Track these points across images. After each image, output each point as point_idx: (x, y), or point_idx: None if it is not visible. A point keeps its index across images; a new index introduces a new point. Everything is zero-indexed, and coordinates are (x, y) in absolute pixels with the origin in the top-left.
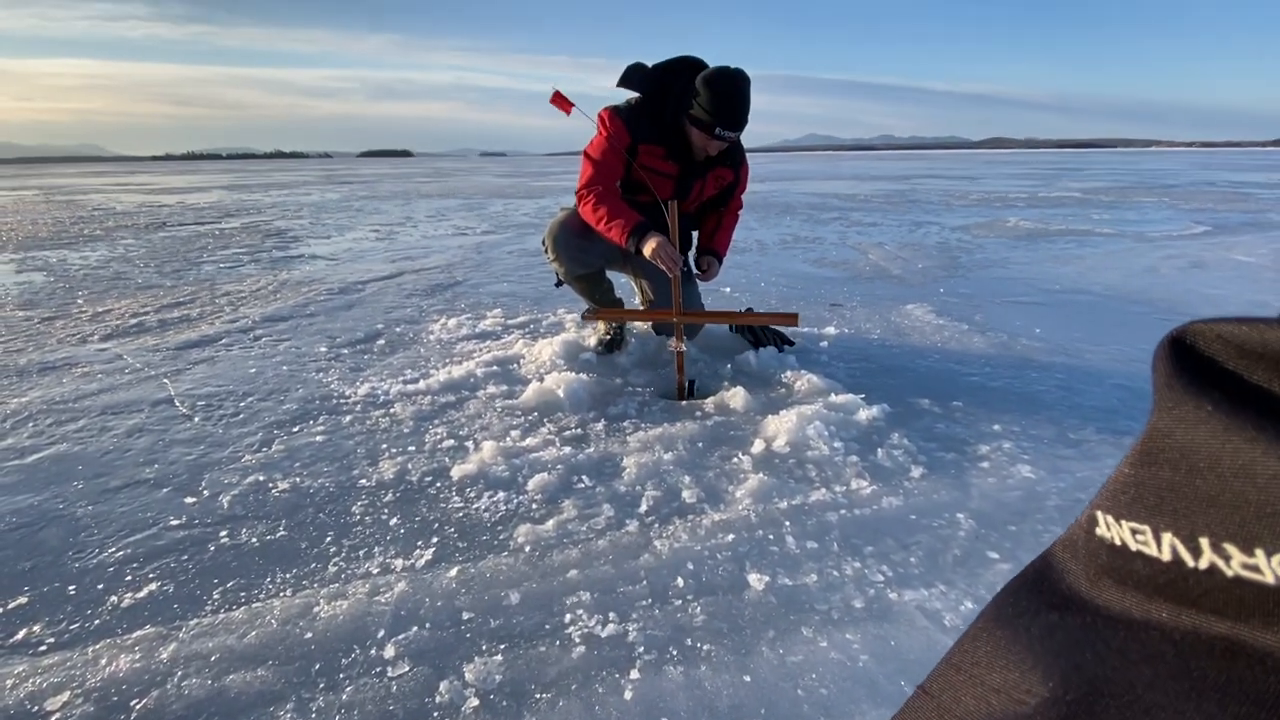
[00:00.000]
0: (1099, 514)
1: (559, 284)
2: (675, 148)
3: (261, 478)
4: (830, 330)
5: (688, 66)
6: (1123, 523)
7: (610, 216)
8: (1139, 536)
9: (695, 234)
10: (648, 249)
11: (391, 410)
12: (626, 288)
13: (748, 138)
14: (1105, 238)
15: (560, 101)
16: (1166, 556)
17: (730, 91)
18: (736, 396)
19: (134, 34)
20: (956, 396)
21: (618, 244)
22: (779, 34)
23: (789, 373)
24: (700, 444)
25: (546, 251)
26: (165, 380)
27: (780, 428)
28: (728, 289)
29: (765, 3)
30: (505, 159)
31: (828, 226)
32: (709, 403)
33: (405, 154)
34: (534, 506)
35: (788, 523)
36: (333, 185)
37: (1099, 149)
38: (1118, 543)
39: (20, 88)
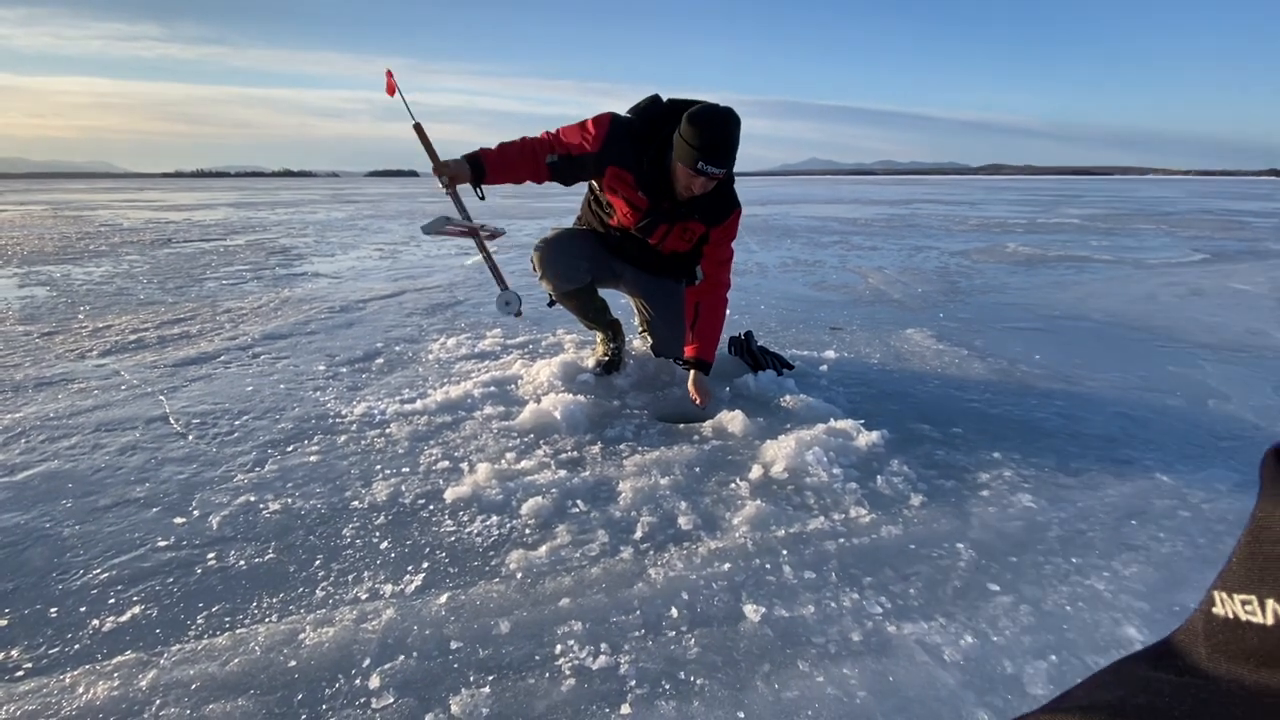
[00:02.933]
0: (1215, 593)
1: (551, 303)
2: (649, 182)
3: (253, 498)
4: (830, 354)
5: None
6: (1234, 596)
7: (511, 151)
8: (1247, 607)
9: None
10: (451, 169)
11: (387, 430)
12: (626, 309)
13: (746, 161)
14: (1104, 264)
15: (390, 82)
16: (1270, 621)
17: (716, 127)
18: (735, 420)
19: (147, 54)
20: (956, 423)
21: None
22: (781, 61)
23: (788, 397)
24: (697, 469)
25: (534, 269)
26: (161, 397)
27: (779, 453)
28: (728, 312)
29: (768, 30)
30: None
31: (828, 250)
32: (707, 426)
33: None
34: (527, 531)
35: (785, 551)
36: (339, 204)
37: (1097, 176)
38: (1230, 616)
39: (33, 104)
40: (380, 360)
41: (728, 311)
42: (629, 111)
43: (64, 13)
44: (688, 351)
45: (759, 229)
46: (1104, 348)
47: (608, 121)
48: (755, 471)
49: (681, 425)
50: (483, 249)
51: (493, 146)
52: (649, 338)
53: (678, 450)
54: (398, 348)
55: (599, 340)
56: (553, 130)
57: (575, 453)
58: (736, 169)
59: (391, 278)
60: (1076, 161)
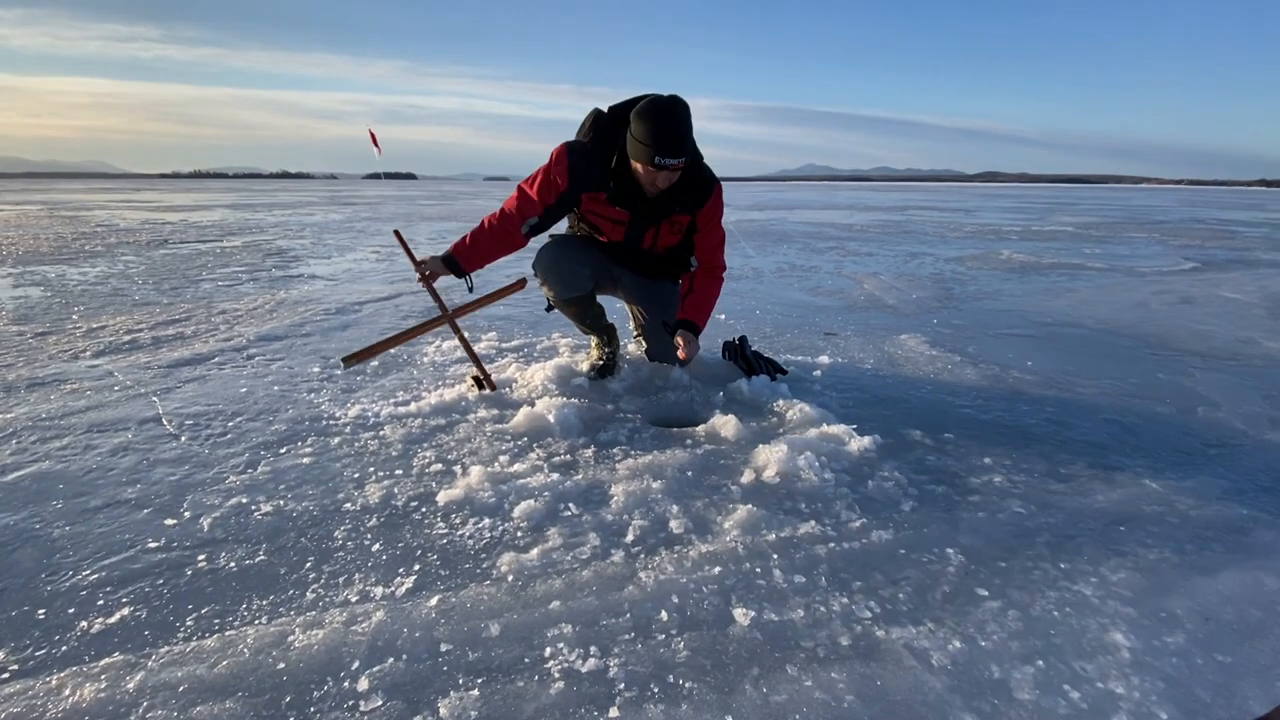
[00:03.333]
0: None
1: (550, 308)
2: (622, 194)
3: (244, 500)
4: (824, 359)
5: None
6: None
7: (481, 236)
8: None
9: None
10: (430, 266)
11: (381, 433)
12: (621, 313)
13: (744, 167)
14: (1097, 272)
15: (374, 139)
16: None
17: (663, 118)
18: (728, 425)
19: (145, 55)
20: (948, 428)
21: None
22: (778, 67)
23: (781, 401)
24: (690, 473)
25: (536, 276)
26: (154, 398)
27: (771, 457)
28: (722, 316)
29: (765, 36)
30: (510, 183)
31: (823, 255)
32: (700, 430)
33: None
34: (519, 534)
35: (775, 555)
36: (336, 206)
37: (1091, 184)
38: None
39: (30, 104)
40: (375, 363)
41: (720, 315)
42: (578, 136)
43: (62, 13)
44: (680, 314)
45: (755, 234)
46: (1096, 355)
47: (565, 152)
48: (747, 475)
49: (675, 429)
50: (461, 339)
51: (466, 237)
52: (643, 342)
53: (670, 454)
54: (392, 350)
55: (594, 345)
56: (523, 185)
57: (568, 456)
58: (733, 173)
59: (388, 280)
60: (1071, 170)
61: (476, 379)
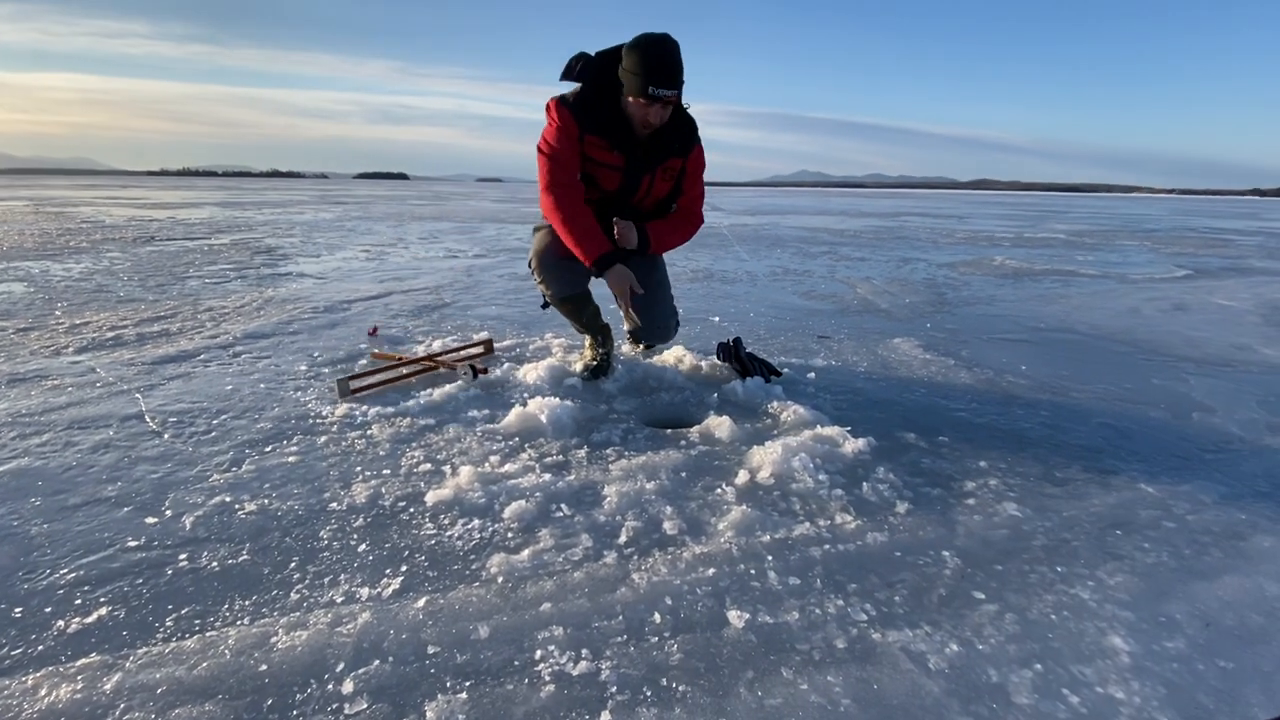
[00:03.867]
0: None
1: (545, 305)
2: (619, 137)
3: (228, 498)
4: (818, 362)
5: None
6: None
7: (578, 233)
8: None
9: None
10: (610, 281)
11: (369, 432)
12: (616, 315)
13: (738, 172)
14: (1089, 278)
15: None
16: None
17: (656, 47)
18: (722, 426)
19: (135, 51)
20: (943, 431)
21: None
22: (774, 73)
23: (775, 403)
24: (684, 474)
25: (533, 273)
26: (138, 395)
27: (765, 459)
28: (716, 318)
29: (761, 43)
30: (501, 185)
31: (817, 260)
32: (694, 432)
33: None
34: (509, 535)
35: (770, 557)
36: (327, 205)
37: (1082, 193)
38: None
39: (17, 100)
40: (363, 361)
41: (714, 317)
42: (563, 79)
43: (52, 9)
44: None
45: (749, 238)
46: (1089, 360)
47: (557, 104)
48: (741, 477)
49: (669, 430)
50: (450, 367)
51: (557, 218)
52: (635, 322)
53: (664, 455)
54: (382, 349)
55: (587, 344)
56: (547, 153)
57: (560, 456)
58: (726, 178)
59: (378, 279)
60: (1062, 178)
61: (472, 366)
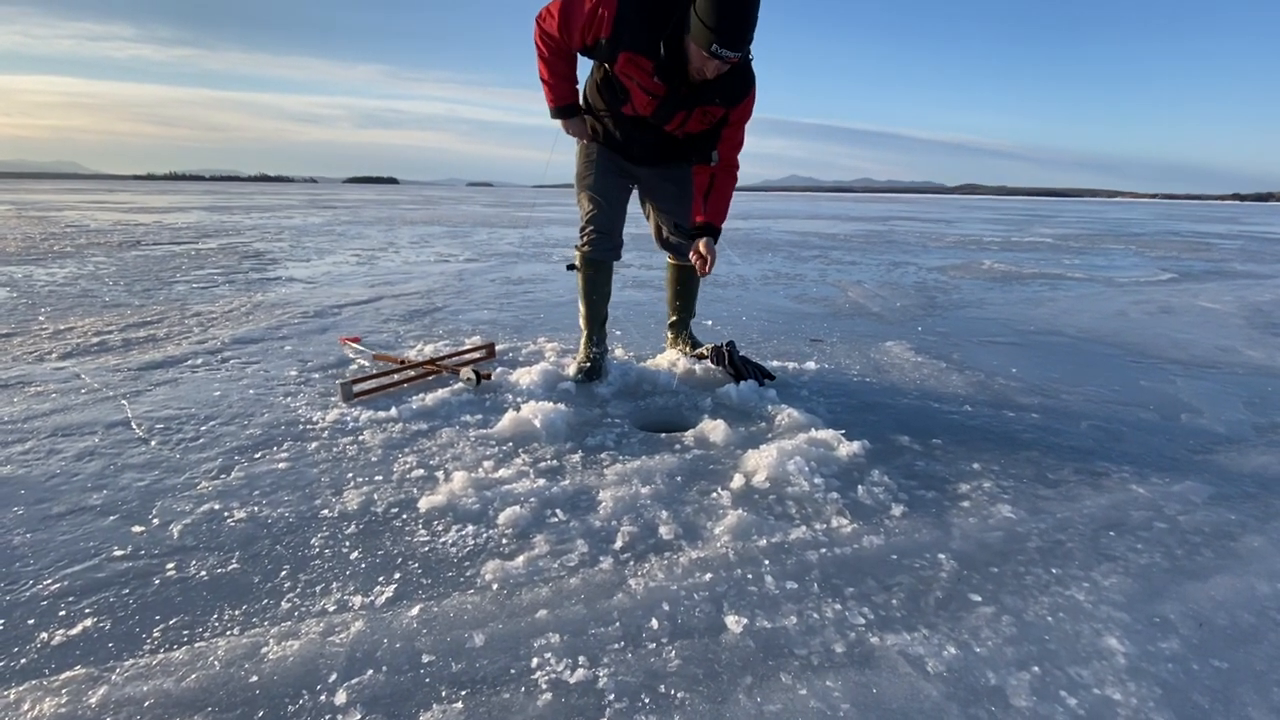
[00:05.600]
0: None
1: (571, 267)
2: (667, 68)
3: (217, 506)
4: (811, 366)
5: None
6: None
7: (552, 76)
8: None
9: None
10: (566, 129)
11: (360, 438)
12: (615, 316)
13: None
14: (1076, 281)
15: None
16: None
17: (733, 5)
18: (717, 430)
19: (119, 54)
20: (936, 434)
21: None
22: (763, 79)
23: (770, 407)
24: (679, 478)
25: (581, 229)
26: (123, 401)
27: (760, 463)
28: (709, 322)
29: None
30: (492, 189)
31: (808, 264)
32: (689, 436)
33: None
34: (504, 541)
35: (767, 561)
36: (316, 209)
37: (1068, 197)
38: None
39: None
40: (354, 366)
41: (707, 321)
42: None
43: (34, 11)
44: (697, 219)
45: (740, 242)
46: (1078, 362)
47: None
48: (737, 481)
49: (663, 435)
50: (451, 371)
51: (547, 91)
52: (668, 239)
53: (659, 459)
54: (373, 353)
55: (581, 345)
56: (554, 12)
57: (555, 461)
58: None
59: (368, 283)
60: (1048, 183)
61: (475, 372)
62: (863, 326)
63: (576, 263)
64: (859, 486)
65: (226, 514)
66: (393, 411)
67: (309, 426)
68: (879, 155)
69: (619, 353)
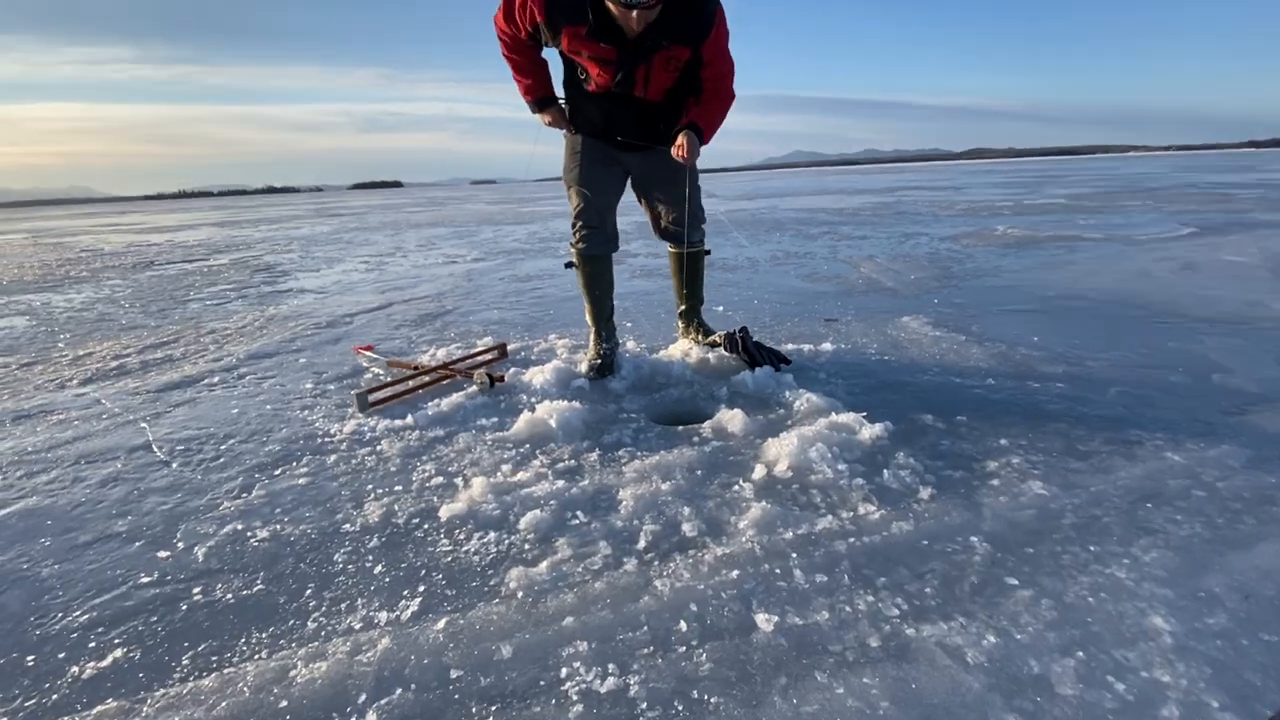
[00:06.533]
0: None
1: (569, 265)
2: (602, 28)
3: (240, 526)
4: (826, 346)
5: None
6: None
7: (517, 70)
8: None
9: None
10: (543, 120)
11: (378, 448)
12: (621, 301)
13: (731, 157)
14: (1094, 242)
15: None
16: None
17: None
18: (734, 419)
19: (119, 76)
20: (960, 411)
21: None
22: (762, 55)
23: (787, 393)
24: (699, 472)
25: (573, 227)
26: (144, 425)
27: (781, 451)
28: (720, 308)
29: (746, 25)
30: (496, 186)
31: (817, 241)
32: (706, 427)
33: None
34: (526, 547)
35: (794, 554)
36: (323, 218)
37: (1079, 155)
38: None
39: (8, 133)
40: (368, 375)
41: (719, 307)
42: None
43: (31, 39)
44: (681, 120)
45: (747, 223)
46: (1101, 326)
47: None
48: (758, 472)
49: (680, 427)
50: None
51: (521, 88)
52: (666, 229)
53: (678, 454)
54: (386, 359)
55: (591, 341)
56: (499, 19)
57: (573, 461)
58: (720, 164)
59: (378, 289)
60: (1058, 142)
61: (489, 375)
62: (877, 303)
63: (573, 260)
64: (884, 471)
65: (249, 534)
66: (409, 420)
67: (327, 439)
68: (884, 125)
69: (631, 345)
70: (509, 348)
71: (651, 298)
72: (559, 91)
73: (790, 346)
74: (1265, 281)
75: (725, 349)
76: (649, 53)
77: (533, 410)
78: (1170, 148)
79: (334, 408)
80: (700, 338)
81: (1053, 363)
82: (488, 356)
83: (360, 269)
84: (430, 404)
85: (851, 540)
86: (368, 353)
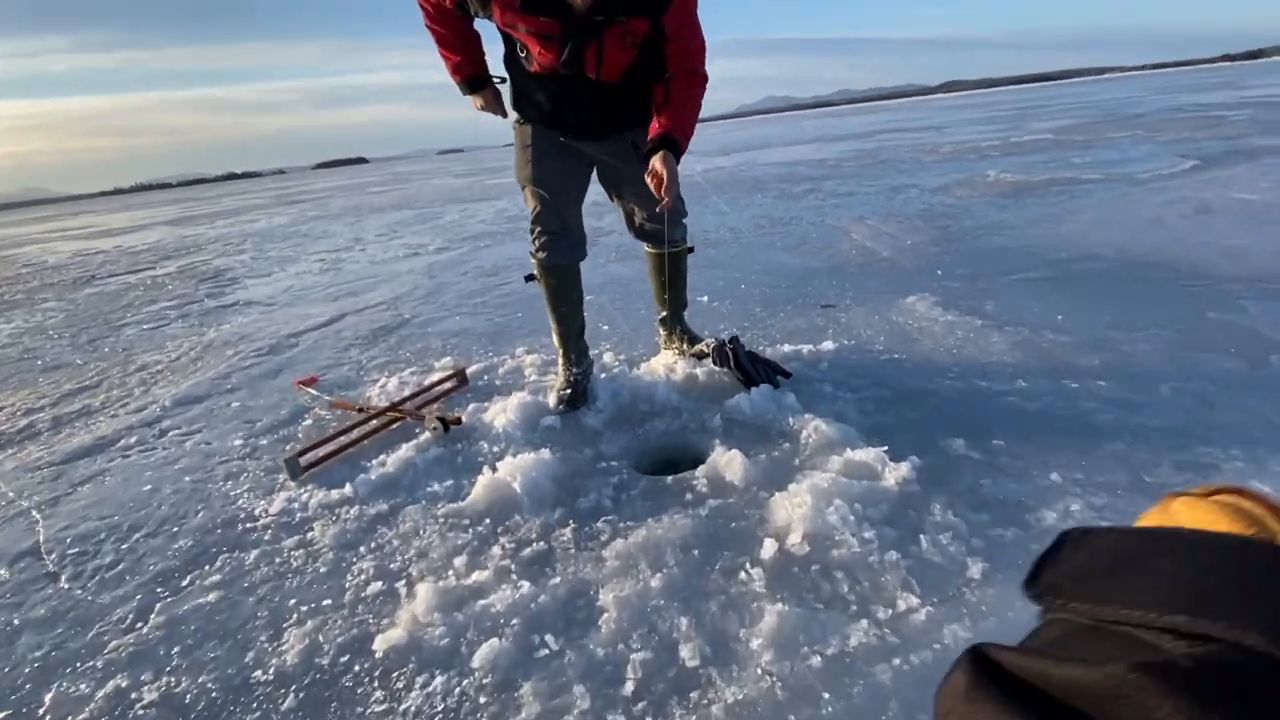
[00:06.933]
0: None
1: (530, 278)
2: (537, 2)
3: (124, 683)
4: (827, 345)
5: None
6: None
7: (442, 45)
8: None
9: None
10: (474, 103)
11: (309, 535)
12: (596, 325)
13: (702, 108)
14: (1094, 184)
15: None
16: None
17: None
18: (733, 464)
19: (57, 67)
20: (994, 430)
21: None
22: None
23: (791, 418)
24: (696, 551)
25: (532, 235)
26: (37, 515)
27: (793, 514)
28: (705, 298)
29: None
30: (463, 154)
31: (802, 202)
32: (700, 476)
33: (361, 161)
34: (482, 698)
35: (827, 694)
36: (282, 207)
37: (1054, 81)
38: None
39: None
40: (308, 421)
41: (703, 297)
42: None
43: None
44: (651, 130)
45: (725, 184)
46: (1129, 296)
47: None
48: (768, 548)
49: (669, 478)
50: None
51: (448, 65)
52: (641, 227)
53: (669, 523)
54: (329, 397)
55: (560, 367)
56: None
57: (541, 544)
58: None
59: (331, 296)
60: (1033, 69)
61: (441, 419)
62: (876, 280)
63: (535, 272)
64: (921, 537)
65: (134, 694)
66: (347, 489)
67: (249, 527)
68: (857, 63)
69: (608, 357)
70: (469, 371)
71: (630, 288)
72: (500, 71)
73: (787, 348)
74: None
75: (715, 362)
76: (600, 28)
77: (494, 469)
78: (1144, 67)
79: (263, 474)
80: (686, 348)
81: (1086, 352)
82: (445, 387)
83: (314, 269)
84: (374, 462)
85: (897, 662)
86: (310, 389)
